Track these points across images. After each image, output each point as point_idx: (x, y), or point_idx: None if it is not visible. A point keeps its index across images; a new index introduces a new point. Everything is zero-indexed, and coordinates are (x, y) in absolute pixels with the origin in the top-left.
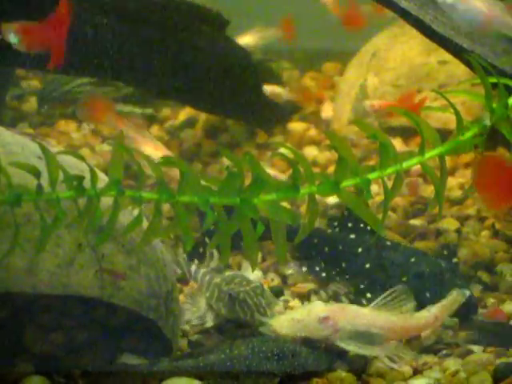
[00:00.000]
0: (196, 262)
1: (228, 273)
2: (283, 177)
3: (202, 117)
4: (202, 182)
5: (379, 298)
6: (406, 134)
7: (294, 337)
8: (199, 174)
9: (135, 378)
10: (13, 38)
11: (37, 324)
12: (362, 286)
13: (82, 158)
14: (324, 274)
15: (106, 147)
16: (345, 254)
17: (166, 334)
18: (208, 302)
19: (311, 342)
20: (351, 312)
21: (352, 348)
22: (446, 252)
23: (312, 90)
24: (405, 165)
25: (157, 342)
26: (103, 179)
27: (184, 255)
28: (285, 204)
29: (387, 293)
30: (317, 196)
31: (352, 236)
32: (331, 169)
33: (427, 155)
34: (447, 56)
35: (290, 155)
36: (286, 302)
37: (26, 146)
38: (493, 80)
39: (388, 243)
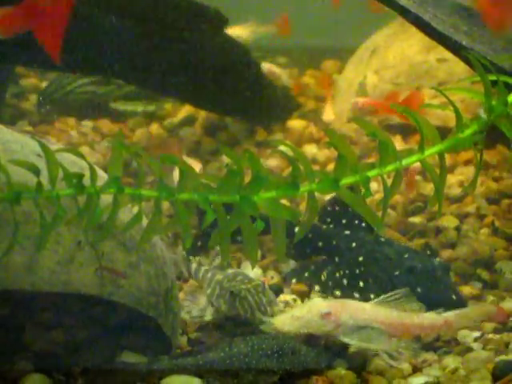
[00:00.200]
0: (197, 260)
1: (230, 271)
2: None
3: (202, 114)
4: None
5: (381, 297)
6: (405, 131)
7: (297, 333)
8: (199, 172)
9: (135, 375)
10: None
11: (36, 322)
12: (353, 279)
13: (81, 156)
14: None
15: (106, 145)
16: (338, 249)
17: (166, 332)
18: (209, 299)
19: (312, 339)
20: (352, 307)
21: (355, 342)
22: (428, 252)
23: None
24: (404, 162)
25: (156, 339)
26: (103, 177)
27: (183, 253)
28: (284, 201)
29: (390, 294)
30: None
31: (346, 232)
32: (330, 166)
33: (427, 153)
34: (447, 54)
35: (290, 153)
36: (286, 300)
37: (26, 144)
38: (492, 78)
39: (381, 239)
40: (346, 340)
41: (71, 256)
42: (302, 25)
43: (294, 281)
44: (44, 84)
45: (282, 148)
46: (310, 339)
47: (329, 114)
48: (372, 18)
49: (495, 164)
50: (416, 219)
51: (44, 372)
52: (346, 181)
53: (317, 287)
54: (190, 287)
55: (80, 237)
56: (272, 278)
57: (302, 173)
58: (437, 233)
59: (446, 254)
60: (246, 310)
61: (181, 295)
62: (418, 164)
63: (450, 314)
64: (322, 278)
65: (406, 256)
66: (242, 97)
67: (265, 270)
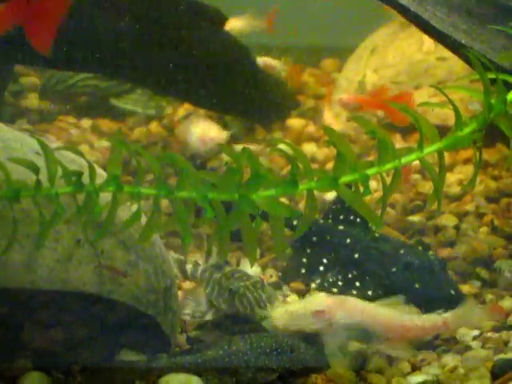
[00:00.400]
0: (192, 260)
1: (227, 268)
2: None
3: (201, 113)
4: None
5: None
6: (404, 130)
7: (288, 329)
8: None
9: (134, 373)
10: None
11: (35, 320)
12: (350, 276)
13: (80, 154)
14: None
15: (105, 143)
16: (333, 245)
17: (165, 330)
18: (209, 298)
19: (311, 337)
20: (350, 306)
21: (332, 353)
22: (420, 248)
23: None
24: (403, 160)
25: (155, 337)
26: (102, 175)
27: (176, 256)
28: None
29: (386, 300)
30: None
31: (341, 227)
32: (330, 165)
33: (426, 151)
34: (446, 52)
35: (289, 151)
36: (285, 297)
37: (25, 142)
38: (491, 76)
39: (377, 235)
40: (327, 343)
41: (70, 254)
42: (301, 24)
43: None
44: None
45: (282, 146)
46: (308, 337)
47: (328, 118)
48: (372, 16)
49: (494, 163)
50: (415, 218)
51: (43, 370)
52: (345, 179)
53: (313, 285)
54: (190, 287)
55: (79, 235)
56: (271, 276)
57: (301, 171)
58: (436, 231)
59: (445, 252)
60: (246, 306)
61: (180, 294)
62: (415, 162)
63: (448, 315)
64: (319, 276)
65: (402, 252)
66: (242, 95)
67: (264, 268)
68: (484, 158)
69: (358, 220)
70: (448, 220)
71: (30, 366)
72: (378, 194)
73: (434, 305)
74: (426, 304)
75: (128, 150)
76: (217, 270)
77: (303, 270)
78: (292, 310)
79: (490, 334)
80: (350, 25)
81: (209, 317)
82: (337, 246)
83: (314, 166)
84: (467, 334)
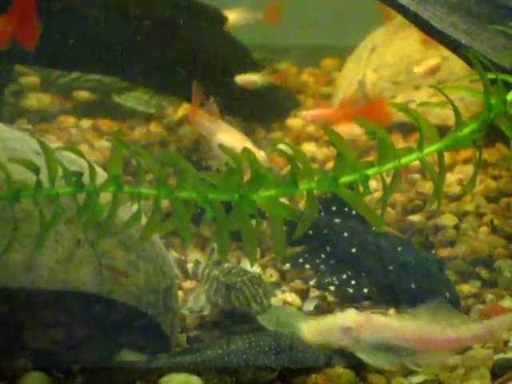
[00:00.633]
0: (193, 260)
1: (226, 265)
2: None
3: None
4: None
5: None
6: (404, 130)
7: (317, 343)
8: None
9: (134, 373)
10: None
11: (36, 320)
12: (346, 274)
13: (80, 154)
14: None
15: (105, 143)
16: (330, 239)
17: (165, 330)
18: (207, 294)
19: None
20: (378, 324)
21: (372, 362)
22: (421, 246)
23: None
24: (403, 160)
25: (156, 337)
26: (102, 175)
27: (177, 255)
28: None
29: (422, 306)
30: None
31: (337, 220)
32: (329, 165)
33: (426, 151)
34: (446, 52)
35: (289, 151)
36: (284, 296)
37: (25, 142)
38: (491, 76)
39: (374, 229)
40: (362, 357)
41: (70, 254)
42: (302, 23)
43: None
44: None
45: (281, 146)
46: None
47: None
48: (371, 16)
49: (494, 162)
50: (415, 217)
51: (43, 370)
52: (346, 179)
53: (311, 283)
54: (190, 286)
55: (79, 235)
56: (271, 275)
57: (301, 171)
58: (436, 231)
59: (445, 252)
60: (242, 301)
61: (181, 294)
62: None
63: (491, 322)
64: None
65: (400, 249)
66: (242, 96)
67: (264, 268)
68: (484, 157)
69: (354, 212)
70: (448, 220)
71: (30, 366)
72: (377, 194)
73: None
74: (420, 304)
75: (128, 150)
76: (216, 266)
77: (308, 266)
78: (322, 324)
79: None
80: (349, 24)
81: (206, 312)
82: (334, 241)
83: (314, 165)
84: None
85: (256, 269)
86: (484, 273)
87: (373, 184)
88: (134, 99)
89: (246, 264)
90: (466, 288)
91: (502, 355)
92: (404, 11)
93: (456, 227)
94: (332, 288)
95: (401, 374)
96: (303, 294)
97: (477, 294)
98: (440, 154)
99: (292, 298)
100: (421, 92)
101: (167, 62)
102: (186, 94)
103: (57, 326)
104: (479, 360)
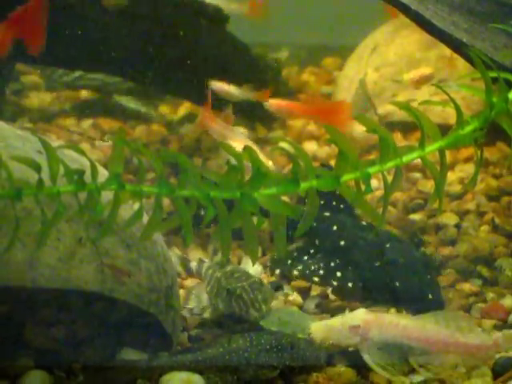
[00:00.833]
0: (197, 258)
1: (228, 267)
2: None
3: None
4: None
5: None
6: (405, 128)
7: (326, 342)
8: (200, 168)
9: (135, 372)
10: None
11: (37, 318)
12: (332, 265)
13: (82, 152)
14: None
15: (107, 142)
16: (319, 231)
17: (167, 329)
18: (209, 295)
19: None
20: (386, 323)
21: (371, 363)
22: (411, 243)
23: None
24: (405, 159)
25: (157, 336)
26: (104, 174)
27: (180, 253)
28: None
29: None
30: None
31: (326, 213)
32: (331, 163)
33: (427, 149)
34: (447, 51)
35: (290, 149)
36: (286, 296)
37: (27, 141)
38: (493, 74)
39: (364, 223)
40: (365, 357)
41: (72, 252)
42: (302, 22)
43: (277, 272)
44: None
45: (283, 145)
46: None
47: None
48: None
49: (495, 161)
50: (416, 216)
51: (45, 369)
52: (347, 177)
53: (295, 272)
54: (192, 284)
55: (81, 233)
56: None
57: (302, 169)
58: (437, 230)
59: (446, 250)
60: (241, 307)
61: (182, 292)
62: (419, 161)
63: (500, 336)
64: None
65: (388, 246)
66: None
67: (265, 266)
68: (485, 156)
69: (342, 206)
70: (449, 218)
71: (31, 365)
72: (378, 193)
73: (411, 306)
74: (403, 304)
75: (129, 148)
76: (218, 268)
77: (289, 261)
78: (330, 323)
79: (490, 333)
80: (350, 23)
81: (207, 314)
82: (323, 233)
83: (316, 164)
84: None
85: (257, 267)
86: (485, 271)
87: (373, 183)
88: (135, 101)
89: (247, 262)
90: (466, 287)
91: (503, 354)
92: (405, 10)
93: (457, 226)
94: (316, 279)
95: (402, 372)
96: (304, 293)
97: (478, 293)
98: (442, 152)
99: (293, 296)
100: (422, 91)
101: (167, 62)
102: (186, 93)
103: (58, 325)
104: (480, 359)
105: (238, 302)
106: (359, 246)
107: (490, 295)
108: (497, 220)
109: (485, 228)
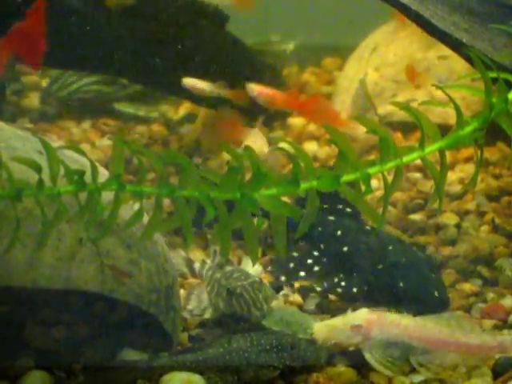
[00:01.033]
0: (201, 260)
1: (228, 268)
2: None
3: (202, 112)
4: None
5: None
6: (405, 128)
7: (328, 342)
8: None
9: (135, 372)
10: None
11: (37, 319)
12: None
13: (82, 153)
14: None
15: (107, 142)
16: (323, 236)
17: (167, 329)
18: (209, 296)
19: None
20: (388, 322)
21: (372, 363)
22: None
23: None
24: (405, 159)
25: (157, 336)
26: (104, 174)
27: (183, 254)
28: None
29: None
30: None
31: (331, 218)
32: (331, 164)
33: (427, 149)
34: (447, 51)
35: (291, 150)
36: (286, 296)
37: (27, 141)
38: (493, 75)
39: (367, 228)
40: (366, 356)
41: (72, 253)
42: (302, 22)
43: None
44: (45, 81)
45: (283, 145)
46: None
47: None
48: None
49: (495, 161)
50: (416, 216)
51: (45, 369)
52: (347, 177)
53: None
54: (193, 284)
55: (81, 234)
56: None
57: (302, 170)
58: (437, 230)
59: (446, 251)
60: (242, 307)
61: (183, 292)
62: (419, 161)
63: (507, 338)
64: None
65: (391, 248)
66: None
67: (265, 267)
68: (485, 156)
69: (349, 210)
70: (449, 218)
71: (32, 365)
72: (378, 193)
73: (416, 306)
74: (408, 304)
75: (130, 148)
76: (218, 269)
77: (291, 265)
78: (332, 323)
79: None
80: (351, 23)
81: (207, 315)
82: (327, 238)
83: (315, 164)
84: None
85: (258, 267)
86: (485, 271)
87: (373, 183)
88: (134, 106)
89: (247, 263)
90: (466, 287)
91: (503, 354)
92: (405, 10)
93: (457, 226)
94: (319, 289)
95: (402, 372)
96: (304, 293)
97: (478, 293)
98: (442, 152)
99: (293, 296)
100: (422, 91)
101: (168, 62)
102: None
103: (58, 325)
104: (481, 359)
105: (239, 301)
106: (362, 250)
107: (491, 295)
108: (497, 220)
109: (485, 228)
